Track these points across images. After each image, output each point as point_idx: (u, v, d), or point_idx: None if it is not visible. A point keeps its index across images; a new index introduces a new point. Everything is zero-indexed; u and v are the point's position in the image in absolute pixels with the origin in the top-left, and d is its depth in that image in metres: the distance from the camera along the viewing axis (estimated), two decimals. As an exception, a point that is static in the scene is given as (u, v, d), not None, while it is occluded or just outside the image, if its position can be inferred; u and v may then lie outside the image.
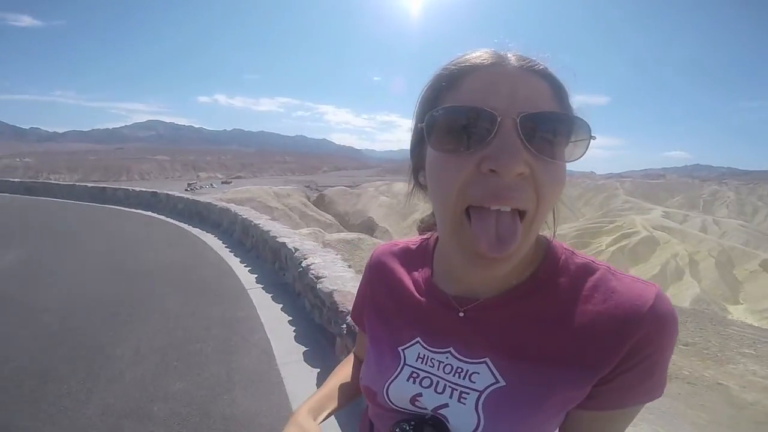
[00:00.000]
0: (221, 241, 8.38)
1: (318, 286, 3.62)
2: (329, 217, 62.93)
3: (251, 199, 54.73)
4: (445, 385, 0.55)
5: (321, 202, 71.28)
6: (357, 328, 0.83)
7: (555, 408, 0.50)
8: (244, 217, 8.14)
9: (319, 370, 3.17)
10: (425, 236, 0.73)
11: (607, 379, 0.49)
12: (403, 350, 0.61)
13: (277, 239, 5.75)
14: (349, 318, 2.81)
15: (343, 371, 0.84)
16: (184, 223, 10.61)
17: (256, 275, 5.87)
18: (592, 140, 0.47)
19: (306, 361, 3.34)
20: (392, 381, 0.59)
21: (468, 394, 0.52)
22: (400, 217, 70.73)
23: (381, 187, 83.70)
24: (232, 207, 9.48)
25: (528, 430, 0.50)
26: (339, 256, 4.83)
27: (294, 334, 3.85)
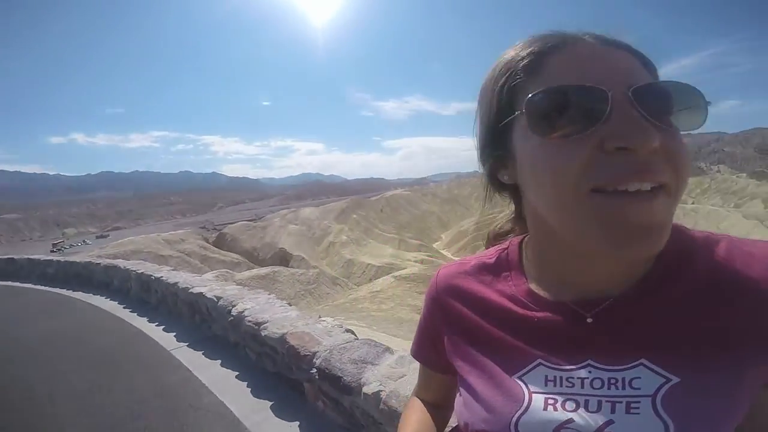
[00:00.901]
0: (116, 302, 7.26)
1: (263, 334, 3.33)
2: (235, 255, 58.78)
3: (138, 251, 48.48)
4: (599, 401, 0.47)
5: (223, 242, 66.26)
6: (423, 367, 0.73)
7: (746, 391, 0.45)
8: (139, 272, 7.16)
9: (298, 422, 2.85)
10: (501, 246, 0.65)
11: None
12: (522, 378, 0.52)
13: (191, 291, 5.19)
14: (316, 360, 2.67)
15: (414, 420, 0.72)
16: (60, 288, 9.00)
17: (174, 333, 5.18)
18: (708, 106, 0.44)
19: (279, 416, 2.98)
20: (521, 415, 0.49)
21: (638, 401, 0.45)
22: (313, 242, 69.37)
23: (287, 216, 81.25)
24: (120, 263, 8.32)
25: (724, 420, 0.44)
26: (273, 296, 4.54)
27: (249, 389, 3.41)
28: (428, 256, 66.72)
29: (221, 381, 3.60)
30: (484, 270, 0.63)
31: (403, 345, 8.55)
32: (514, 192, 0.59)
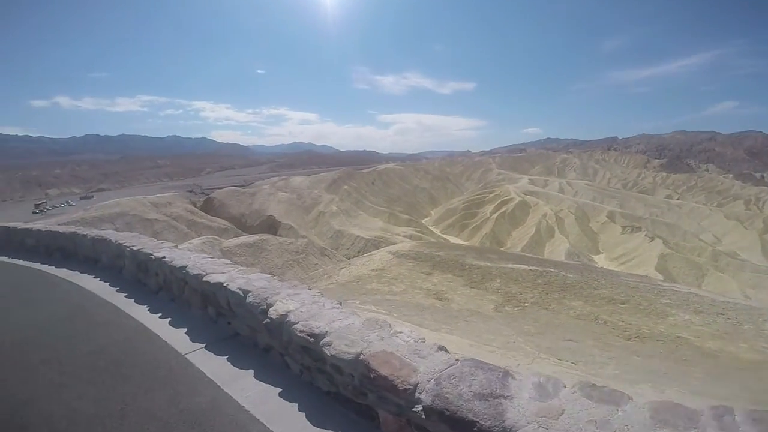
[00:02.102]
0: (107, 283, 6.20)
1: (329, 353, 2.56)
2: (222, 221, 57.67)
3: (123, 214, 47.04)
4: None
5: (210, 207, 64.82)
6: None
7: None
8: (135, 248, 6.00)
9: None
10: None
11: None
12: None
13: (206, 279, 4.24)
14: (422, 395, 2.01)
15: None
16: (42, 263, 8.02)
17: (184, 329, 4.30)
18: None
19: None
20: None
21: None
22: (303, 211, 68.47)
23: (278, 183, 79.75)
24: (111, 235, 7.17)
25: None
26: (315, 291, 3.68)
27: (303, 414, 2.67)
28: (417, 231, 66.62)
29: (263, 402, 2.81)
30: None
31: (453, 342, 7.86)
32: None
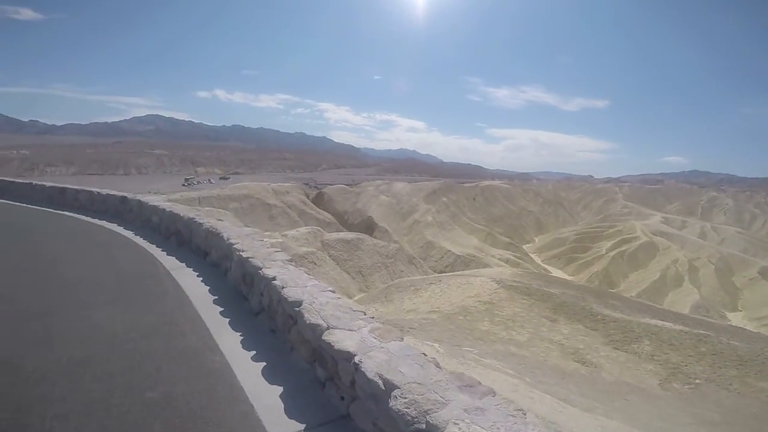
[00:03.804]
0: (208, 288, 5.81)
1: None
2: (328, 215, 62.36)
3: (249, 196, 54.04)
4: None
5: (320, 201, 70.60)
6: None
7: None
8: (244, 255, 5.44)
9: None
10: None
11: None
12: None
13: (328, 340, 3.16)
14: None
15: None
16: (157, 246, 8.21)
17: (280, 387, 3.33)
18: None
19: None
20: None
21: None
22: (400, 217, 70.18)
23: (381, 186, 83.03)
24: (224, 232, 6.78)
25: None
26: (506, 406, 2.31)
27: None
28: (515, 256, 62.67)
29: None
30: None
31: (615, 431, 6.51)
32: None
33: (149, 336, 4.26)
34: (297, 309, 3.78)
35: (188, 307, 5.10)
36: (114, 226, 9.94)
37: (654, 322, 12.55)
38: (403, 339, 3.22)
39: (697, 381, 9.19)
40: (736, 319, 47.58)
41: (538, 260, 70.99)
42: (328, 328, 3.33)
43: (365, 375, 2.68)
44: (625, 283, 58.91)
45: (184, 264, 7.05)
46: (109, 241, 8.70)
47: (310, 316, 3.54)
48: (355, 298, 19.36)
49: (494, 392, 2.44)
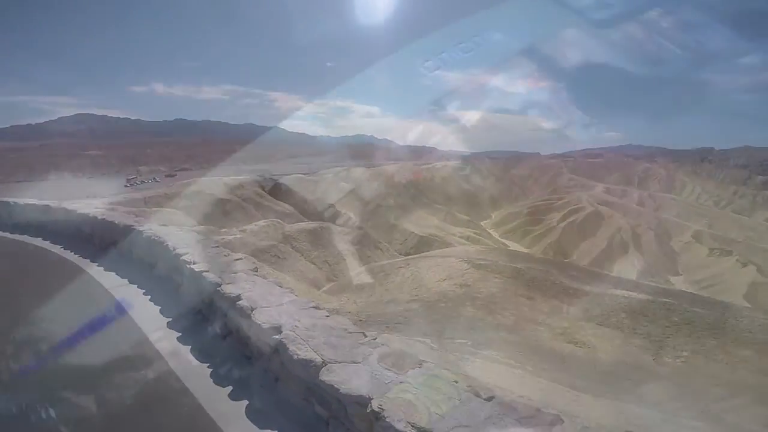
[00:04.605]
0: (158, 308, 4.81)
1: None
2: (287, 206, 60.57)
3: (200, 192, 51.18)
4: None
5: (278, 192, 68.41)
6: None
7: None
8: (197, 270, 4.46)
9: None
10: None
11: None
12: None
13: (329, 381, 2.52)
14: None
15: None
16: (92, 260, 6.99)
17: None
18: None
19: None
20: None
21: None
22: (361, 203, 69.78)
23: (340, 173, 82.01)
24: (169, 240, 5.86)
25: None
26: None
27: None
28: (475, 233, 64.76)
29: None
30: None
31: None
32: None
33: (94, 387, 3.14)
34: (277, 338, 2.99)
35: (137, 334, 4.04)
36: (39, 241, 8.52)
37: (620, 292, 13.24)
38: (422, 365, 2.65)
39: (684, 353, 9.54)
40: (678, 282, 52.37)
41: (496, 235, 73.79)
42: (324, 364, 2.64)
43: (393, 428, 2.01)
44: (577, 253, 62.89)
45: (126, 280, 5.95)
46: (31, 260, 7.30)
47: (297, 349, 2.78)
48: (324, 288, 19.02)
49: (561, 419, 2.07)
